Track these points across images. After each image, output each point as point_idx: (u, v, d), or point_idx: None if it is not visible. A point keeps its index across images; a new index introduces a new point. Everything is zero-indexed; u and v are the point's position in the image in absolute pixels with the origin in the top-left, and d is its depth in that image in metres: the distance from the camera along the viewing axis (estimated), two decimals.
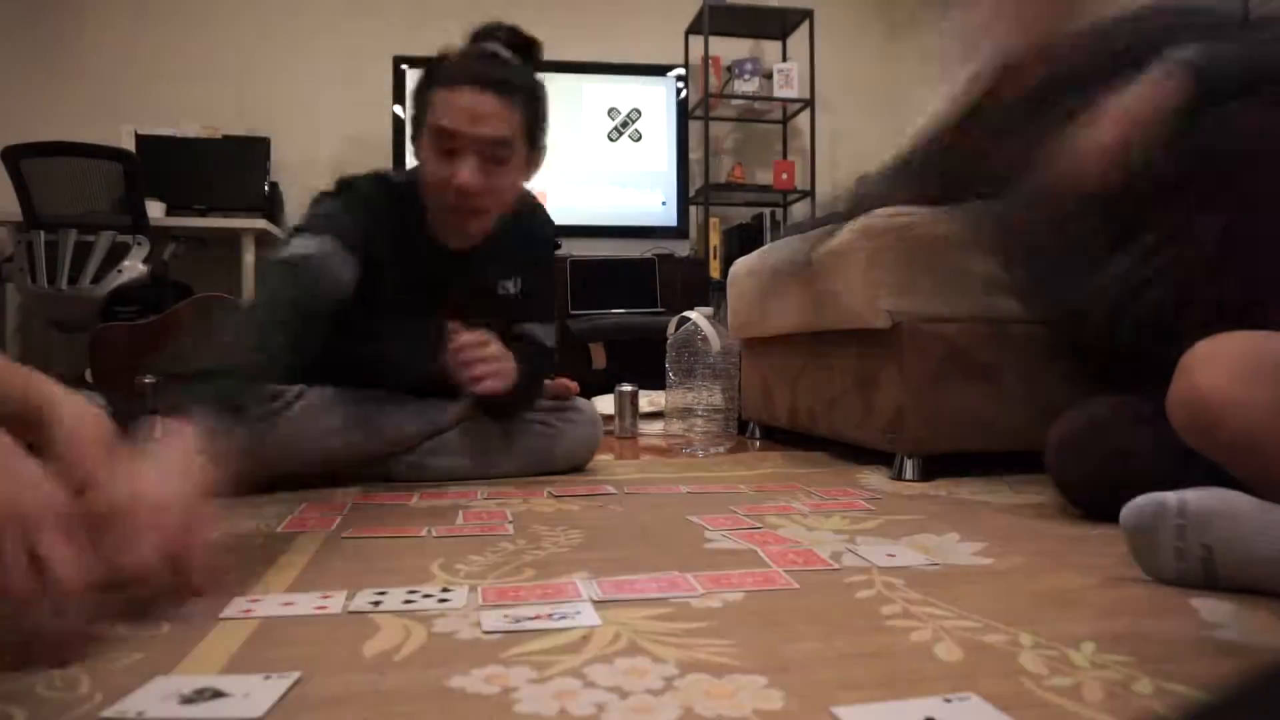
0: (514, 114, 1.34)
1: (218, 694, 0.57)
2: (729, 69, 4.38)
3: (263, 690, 0.58)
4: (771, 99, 4.36)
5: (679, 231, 4.28)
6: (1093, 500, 1.17)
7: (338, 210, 1.37)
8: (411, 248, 1.43)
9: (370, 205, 1.39)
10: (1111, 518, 1.08)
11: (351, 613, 0.76)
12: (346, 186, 1.42)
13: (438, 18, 4.26)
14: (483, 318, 1.48)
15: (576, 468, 1.68)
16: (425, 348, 1.44)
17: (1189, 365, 0.86)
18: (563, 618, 0.73)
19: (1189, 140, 1.06)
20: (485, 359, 1.39)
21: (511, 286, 1.57)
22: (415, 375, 1.53)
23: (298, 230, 1.34)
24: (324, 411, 1.46)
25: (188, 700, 0.56)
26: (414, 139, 1.40)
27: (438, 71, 1.35)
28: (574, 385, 1.68)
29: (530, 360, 1.51)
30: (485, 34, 1.41)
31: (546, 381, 1.67)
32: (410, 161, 1.59)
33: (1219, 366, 0.84)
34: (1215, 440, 0.83)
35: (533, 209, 1.60)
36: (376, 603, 0.78)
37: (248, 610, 0.77)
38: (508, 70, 1.35)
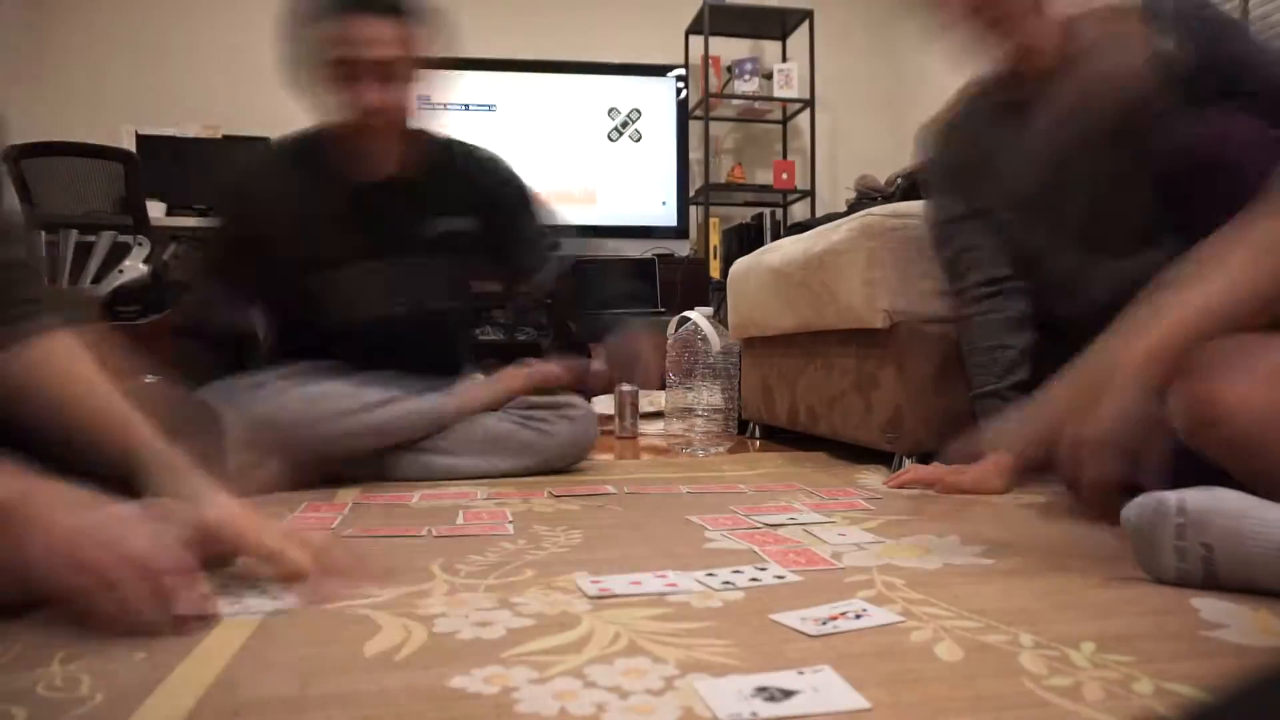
0: (401, 30, 1.42)
1: (788, 692, 0.57)
2: (729, 69, 4.38)
3: (825, 682, 0.59)
4: (771, 99, 4.36)
5: (679, 231, 4.28)
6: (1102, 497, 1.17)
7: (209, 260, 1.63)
8: (332, 193, 1.52)
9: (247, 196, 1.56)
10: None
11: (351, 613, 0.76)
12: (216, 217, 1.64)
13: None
14: (431, 255, 1.58)
15: (574, 465, 1.69)
16: (380, 290, 1.55)
17: (1191, 366, 0.86)
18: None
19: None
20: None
21: (461, 224, 1.62)
22: (381, 324, 1.57)
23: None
24: (315, 399, 1.46)
25: (770, 699, 0.56)
26: (299, 77, 1.48)
27: (313, 6, 1.42)
28: (560, 374, 1.68)
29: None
30: None
31: (531, 368, 1.69)
32: None
33: (1221, 367, 0.84)
34: (1216, 440, 0.83)
35: (470, 150, 1.67)
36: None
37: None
38: None
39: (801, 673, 0.61)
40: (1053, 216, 1.35)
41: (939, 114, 1.53)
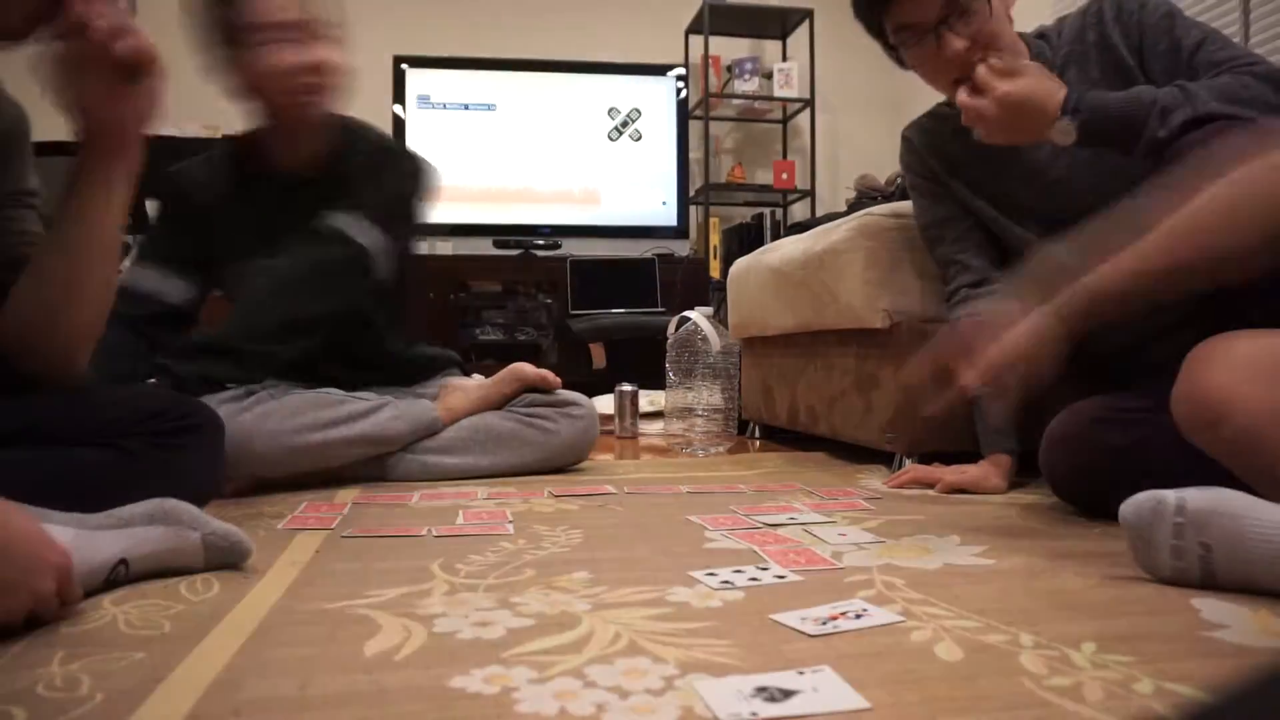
0: None
1: (788, 692, 0.57)
2: (729, 69, 4.38)
3: (825, 682, 0.59)
4: (771, 99, 4.36)
5: (679, 231, 4.28)
6: (1083, 497, 1.19)
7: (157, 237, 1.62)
8: (252, 191, 1.57)
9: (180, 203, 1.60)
10: (1104, 515, 1.09)
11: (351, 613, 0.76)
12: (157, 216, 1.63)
13: (438, 18, 4.27)
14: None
15: (575, 463, 1.69)
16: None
17: (1194, 362, 0.86)
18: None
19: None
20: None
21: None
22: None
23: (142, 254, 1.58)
24: (295, 411, 1.44)
25: (770, 699, 0.56)
26: (222, 63, 1.54)
27: None
28: (555, 379, 1.69)
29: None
30: None
31: (528, 370, 1.69)
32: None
33: (1224, 364, 0.84)
34: (1218, 437, 0.83)
35: (374, 141, 1.68)
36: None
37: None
38: None
39: (801, 673, 0.61)
40: (1057, 221, 1.34)
41: (918, 118, 1.54)
